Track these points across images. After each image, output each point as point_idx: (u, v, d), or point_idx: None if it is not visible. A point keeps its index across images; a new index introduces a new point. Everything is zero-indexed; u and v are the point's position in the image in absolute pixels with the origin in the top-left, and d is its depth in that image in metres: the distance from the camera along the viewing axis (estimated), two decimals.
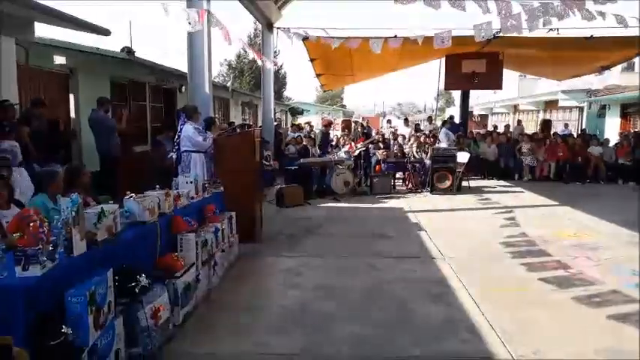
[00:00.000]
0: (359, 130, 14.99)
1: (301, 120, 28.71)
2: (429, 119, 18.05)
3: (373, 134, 14.79)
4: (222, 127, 9.57)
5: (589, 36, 10.60)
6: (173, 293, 3.63)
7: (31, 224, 2.65)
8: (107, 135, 7.62)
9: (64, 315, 2.55)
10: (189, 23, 6.78)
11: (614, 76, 23.45)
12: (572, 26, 9.55)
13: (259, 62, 9.89)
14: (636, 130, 16.75)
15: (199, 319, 3.95)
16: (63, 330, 2.44)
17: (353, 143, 12.19)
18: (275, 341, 3.59)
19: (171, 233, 4.21)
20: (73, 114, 8.74)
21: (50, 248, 2.67)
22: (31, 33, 6.91)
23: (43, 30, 7.75)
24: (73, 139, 8.31)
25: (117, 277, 3.01)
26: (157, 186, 4.42)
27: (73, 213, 2.84)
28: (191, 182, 5.12)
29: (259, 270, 5.44)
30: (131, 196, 3.84)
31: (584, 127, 21.85)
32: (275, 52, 16.21)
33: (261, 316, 4.05)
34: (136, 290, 3.13)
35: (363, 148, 11.64)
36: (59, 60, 8.10)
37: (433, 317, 4.03)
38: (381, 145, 12.62)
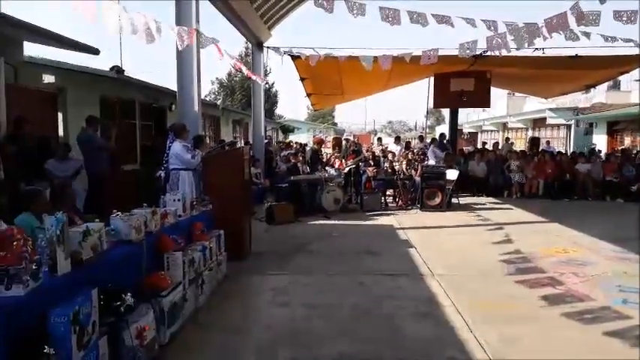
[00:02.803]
0: (349, 147, 15.05)
1: (292, 137, 28.86)
2: (420, 138, 18.20)
3: (364, 151, 14.85)
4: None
5: (574, 55, 10.82)
6: (159, 312, 3.58)
7: (15, 243, 2.62)
8: (96, 154, 7.59)
9: (47, 335, 2.51)
10: (178, 42, 6.81)
11: (601, 94, 23.90)
12: (558, 45, 9.75)
13: (253, 77, 9.94)
14: (623, 147, 16.96)
15: (186, 339, 3.90)
16: (45, 350, 2.40)
17: (343, 160, 12.24)
18: None
19: (158, 252, 4.18)
20: (61, 132, 8.71)
21: (34, 267, 2.64)
22: (20, 52, 6.93)
23: (32, 49, 7.78)
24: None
25: (102, 296, 2.97)
26: (145, 204, 4.40)
27: (58, 232, 2.83)
28: (179, 200, 5.10)
29: (248, 288, 5.39)
30: (117, 215, 3.82)
31: (572, 144, 22.16)
32: (266, 70, 16.33)
33: (250, 336, 4.00)
34: (121, 309, 3.09)
35: (353, 166, 11.68)
36: (48, 79, 8.10)
37: (421, 334, 4.01)
38: (372, 163, 12.68)
